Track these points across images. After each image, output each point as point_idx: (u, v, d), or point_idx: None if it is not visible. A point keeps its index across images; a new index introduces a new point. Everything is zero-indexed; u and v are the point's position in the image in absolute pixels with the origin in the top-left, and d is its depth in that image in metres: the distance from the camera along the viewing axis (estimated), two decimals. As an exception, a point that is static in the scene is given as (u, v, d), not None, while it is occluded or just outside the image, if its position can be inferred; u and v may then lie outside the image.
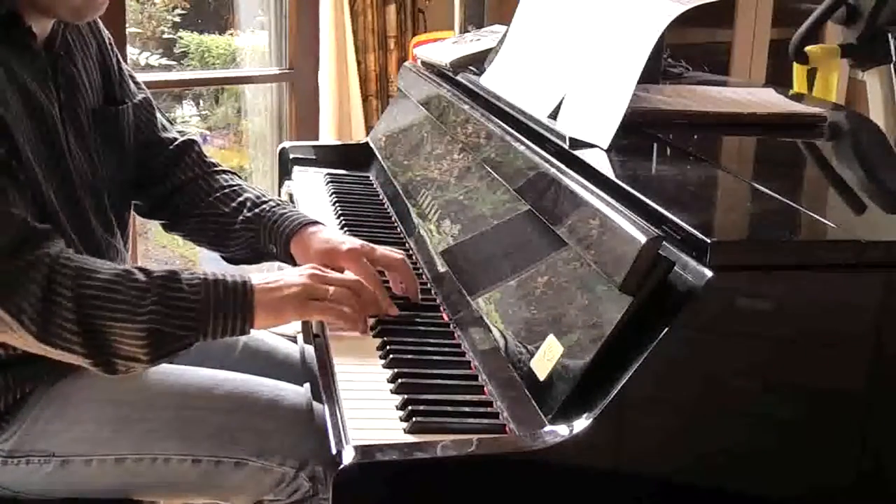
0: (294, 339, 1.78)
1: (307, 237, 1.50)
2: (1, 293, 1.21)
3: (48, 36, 1.41)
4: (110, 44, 1.58)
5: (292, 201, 1.98)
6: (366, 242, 1.47)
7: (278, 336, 1.77)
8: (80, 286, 1.23)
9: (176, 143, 1.64)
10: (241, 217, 1.55)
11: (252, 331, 1.32)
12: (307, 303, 1.32)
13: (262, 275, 1.35)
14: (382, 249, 1.45)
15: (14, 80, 1.32)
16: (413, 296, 1.43)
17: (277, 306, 1.31)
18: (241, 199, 1.58)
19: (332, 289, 1.33)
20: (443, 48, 2.14)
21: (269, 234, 1.53)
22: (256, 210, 1.55)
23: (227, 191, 1.60)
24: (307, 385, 1.48)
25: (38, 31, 1.38)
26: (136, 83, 1.61)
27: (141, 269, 1.28)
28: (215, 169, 1.65)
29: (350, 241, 1.47)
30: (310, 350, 1.45)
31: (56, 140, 1.39)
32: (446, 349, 1.31)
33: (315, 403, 1.40)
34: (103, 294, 1.24)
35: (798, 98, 2.01)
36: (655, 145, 1.46)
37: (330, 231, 1.54)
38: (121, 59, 1.60)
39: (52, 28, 1.41)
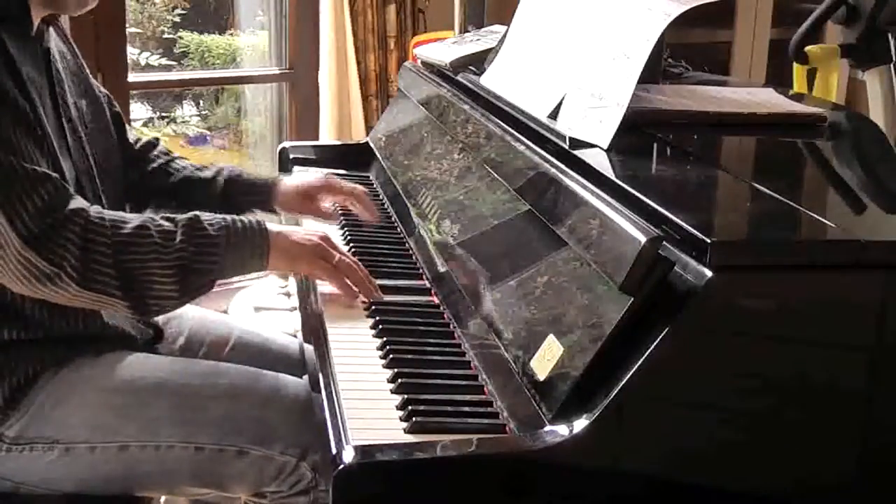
0: (293, 335, 1.78)
1: (286, 182, 1.75)
2: (43, 246, 1.26)
3: (36, 32, 1.43)
4: (71, 40, 1.62)
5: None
6: (330, 177, 1.76)
7: (273, 329, 1.78)
8: (115, 234, 1.30)
9: (142, 140, 1.77)
10: (221, 179, 1.72)
11: (266, 272, 1.55)
12: (318, 260, 1.43)
13: (272, 223, 1.45)
14: (343, 183, 1.74)
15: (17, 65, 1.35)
16: (375, 220, 1.73)
17: (292, 252, 1.42)
18: (216, 168, 1.76)
19: (338, 256, 1.44)
20: (443, 48, 2.14)
21: (252, 190, 1.72)
22: (234, 171, 1.75)
23: (198, 165, 1.77)
24: (306, 377, 1.48)
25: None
26: (98, 86, 1.65)
27: (163, 217, 1.36)
28: (179, 156, 1.80)
29: (317, 179, 1.76)
30: (309, 348, 1.46)
31: (55, 126, 1.42)
32: (446, 349, 1.32)
33: (314, 395, 1.41)
34: (136, 239, 1.31)
35: (798, 98, 2.01)
36: (655, 145, 1.46)
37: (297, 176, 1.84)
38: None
39: (38, 24, 1.43)
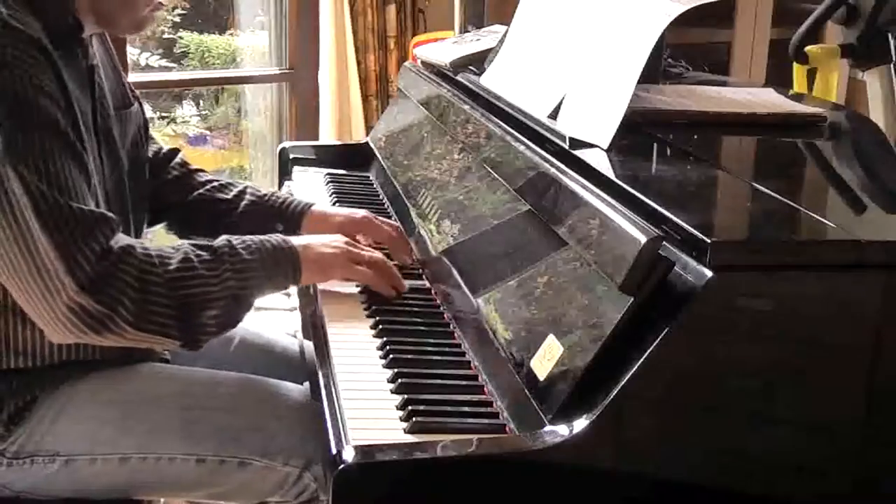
0: (293, 335, 1.78)
1: (318, 215, 1.65)
2: (99, 291, 1.22)
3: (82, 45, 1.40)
4: (112, 47, 1.59)
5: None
6: (365, 214, 1.64)
7: (276, 330, 1.78)
8: (166, 271, 1.27)
9: (163, 150, 1.72)
10: (244, 202, 1.65)
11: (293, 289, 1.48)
12: (350, 265, 1.43)
13: (295, 237, 1.43)
14: (379, 224, 1.62)
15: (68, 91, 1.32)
16: (410, 263, 1.60)
17: (324, 263, 1.42)
18: (239, 188, 1.69)
19: (367, 255, 1.45)
20: (443, 48, 2.14)
21: (278, 216, 1.64)
22: (259, 195, 1.67)
23: (221, 182, 1.70)
24: (307, 384, 1.48)
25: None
26: (130, 87, 1.62)
27: (197, 246, 1.33)
28: (198, 168, 1.74)
29: (350, 214, 1.64)
30: (310, 346, 1.46)
31: (94, 149, 1.39)
32: (446, 349, 1.31)
33: (316, 403, 1.41)
34: (184, 273, 1.28)
35: (798, 98, 2.01)
36: (655, 145, 1.46)
37: (329, 207, 1.75)
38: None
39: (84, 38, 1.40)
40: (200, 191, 1.67)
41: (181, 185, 1.68)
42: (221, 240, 1.34)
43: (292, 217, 1.64)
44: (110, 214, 1.28)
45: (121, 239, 1.27)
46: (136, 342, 1.28)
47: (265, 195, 1.67)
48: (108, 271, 1.23)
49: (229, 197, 1.66)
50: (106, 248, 1.24)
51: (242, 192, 1.66)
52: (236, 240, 1.35)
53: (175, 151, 1.73)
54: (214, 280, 1.29)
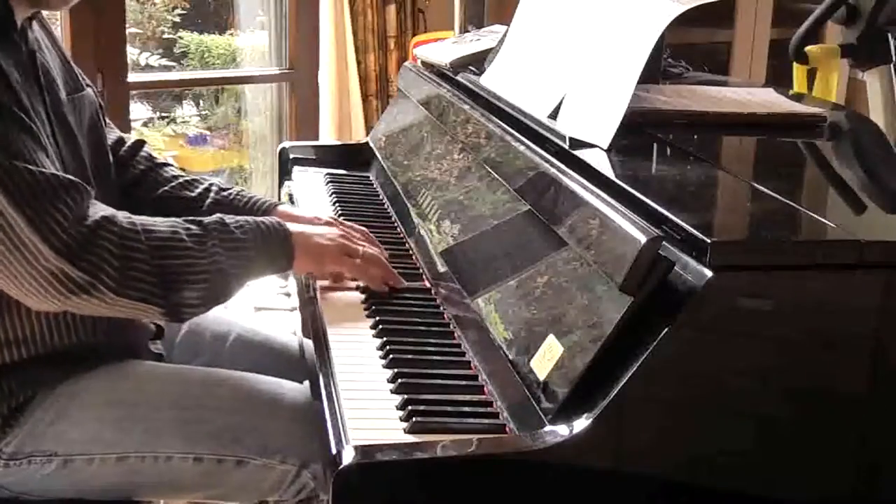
0: (293, 333, 1.78)
1: (283, 214, 1.59)
2: (79, 257, 1.23)
3: (20, 33, 1.38)
4: (54, 32, 1.57)
5: (292, 201, 1.98)
6: (331, 217, 1.62)
7: (274, 328, 1.78)
8: (148, 238, 1.28)
9: (128, 142, 1.70)
10: (209, 200, 1.64)
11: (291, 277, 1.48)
12: (343, 257, 1.44)
13: (291, 223, 1.43)
14: (351, 225, 1.57)
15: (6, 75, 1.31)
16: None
17: (317, 252, 1.42)
18: (204, 185, 1.67)
19: (362, 249, 1.45)
20: (443, 48, 2.14)
21: (242, 213, 1.58)
22: (224, 193, 1.65)
23: (187, 179, 1.68)
24: (307, 383, 1.48)
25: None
26: (80, 73, 1.60)
27: (188, 220, 1.34)
28: (165, 162, 1.72)
29: (316, 217, 1.60)
30: (309, 345, 1.46)
31: (49, 135, 1.38)
32: (446, 349, 1.31)
33: (315, 402, 1.40)
34: (170, 243, 1.29)
35: (798, 98, 2.01)
36: (655, 145, 1.46)
37: (294, 208, 1.73)
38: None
39: (21, 23, 1.38)
40: (166, 187, 1.65)
41: (147, 181, 1.66)
42: (214, 217, 1.36)
43: (256, 216, 1.58)
44: (77, 180, 1.28)
45: (101, 209, 1.28)
46: (119, 309, 1.28)
47: (230, 193, 1.66)
48: (87, 238, 1.23)
49: (194, 194, 1.65)
50: (78, 213, 1.24)
51: (207, 190, 1.65)
52: (230, 218, 1.36)
53: (140, 143, 1.71)
54: (200, 254, 1.30)
